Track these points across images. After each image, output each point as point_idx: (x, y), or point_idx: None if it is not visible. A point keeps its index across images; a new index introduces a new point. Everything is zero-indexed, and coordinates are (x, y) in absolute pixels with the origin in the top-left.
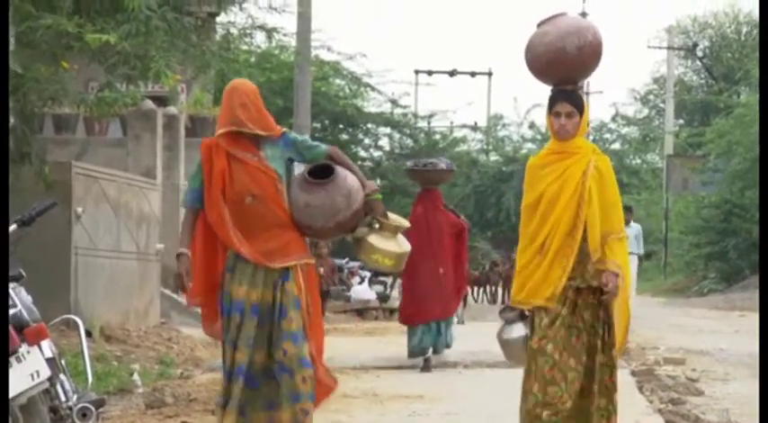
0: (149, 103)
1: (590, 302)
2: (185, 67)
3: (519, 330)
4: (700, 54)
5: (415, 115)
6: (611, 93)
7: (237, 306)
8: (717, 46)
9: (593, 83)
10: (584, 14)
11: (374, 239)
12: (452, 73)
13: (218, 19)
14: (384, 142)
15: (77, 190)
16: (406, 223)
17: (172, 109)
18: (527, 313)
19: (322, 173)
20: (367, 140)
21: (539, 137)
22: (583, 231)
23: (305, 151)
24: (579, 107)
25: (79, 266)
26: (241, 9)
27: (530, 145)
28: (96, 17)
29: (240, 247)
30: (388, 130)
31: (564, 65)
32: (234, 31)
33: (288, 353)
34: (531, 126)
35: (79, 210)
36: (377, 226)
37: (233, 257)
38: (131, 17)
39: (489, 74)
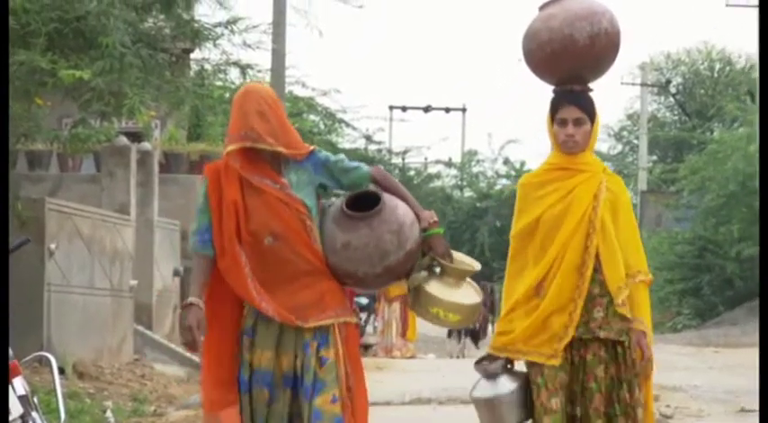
0: (123, 140)
1: (601, 357)
2: (159, 103)
3: (505, 385)
4: (673, 90)
5: (390, 151)
6: None
7: (263, 378)
8: (690, 82)
9: None
10: None
11: (434, 288)
12: (427, 109)
13: (192, 55)
14: None
15: (51, 226)
16: (475, 266)
17: (146, 145)
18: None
19: (364, 202)
20: None
21: (513, 173)
22: (593, 269)
23: (341, 175)
24: (590, 113)
25: (52, 303)
26: (215, 46)
27: (504, 181)
28: (70, 54)
29: (261, 301)
30: None
31: (572, 57)
32: (208, 67)
33: None
34: (506, 162)
35: (52, 246)
36: (437, 270)
37: (252, 316)
38: (105, 54)
39: (463, 110)
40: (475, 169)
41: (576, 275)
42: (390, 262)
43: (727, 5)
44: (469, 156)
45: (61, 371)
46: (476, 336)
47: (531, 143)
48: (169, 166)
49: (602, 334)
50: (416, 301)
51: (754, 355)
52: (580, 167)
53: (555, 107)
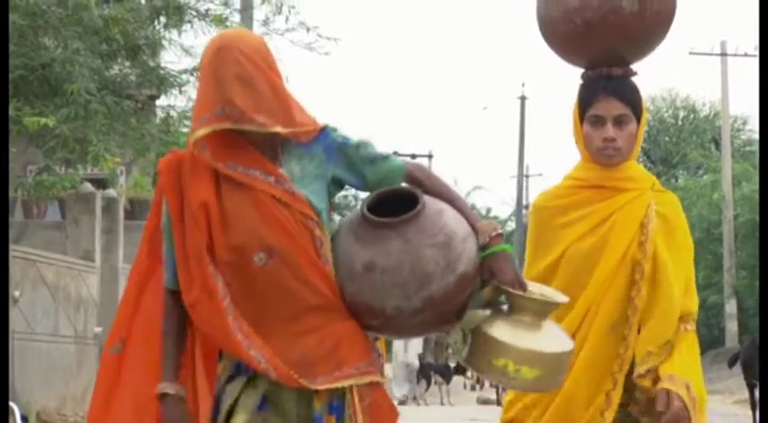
0: (88, 186)
1: None
2: (125, 149)
3: None
4: None
5: (356, 198)
6: (550, 175)
7: None
8: (654, 130)
9: (533, 165)
10: (523, 98)
11: (501, 330)
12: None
13: (157, 102)
14: None
15: (15, 273)
16: (560, 298)
17: (111, 192)
18: None
19: (394, 206)
20: None
21: None
22: (638, 324)
23: (365, 166)
24: (636, 107)
25: (16, 351)
26: (181, 92)
27: None
28: (35, 101)
29: (249, 348)
30: None
31: (614, 30)
32: (174, 113)
33: None
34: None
35: (17, 293)
36: (504, 307)
37: (232, 370)
38: (70, 101)
39: (429, 156)
40: None
41: (614, 338)
42: (434, 291)
43: (690, 53)
44: None
45: (25, 419)
46: (446, 375)
47: (497, 190)
48: (134, 213)
49: (644, 421)
50: (474, 350)
51: (719, 402)
52: (622, 185)
53: (587, 100)
